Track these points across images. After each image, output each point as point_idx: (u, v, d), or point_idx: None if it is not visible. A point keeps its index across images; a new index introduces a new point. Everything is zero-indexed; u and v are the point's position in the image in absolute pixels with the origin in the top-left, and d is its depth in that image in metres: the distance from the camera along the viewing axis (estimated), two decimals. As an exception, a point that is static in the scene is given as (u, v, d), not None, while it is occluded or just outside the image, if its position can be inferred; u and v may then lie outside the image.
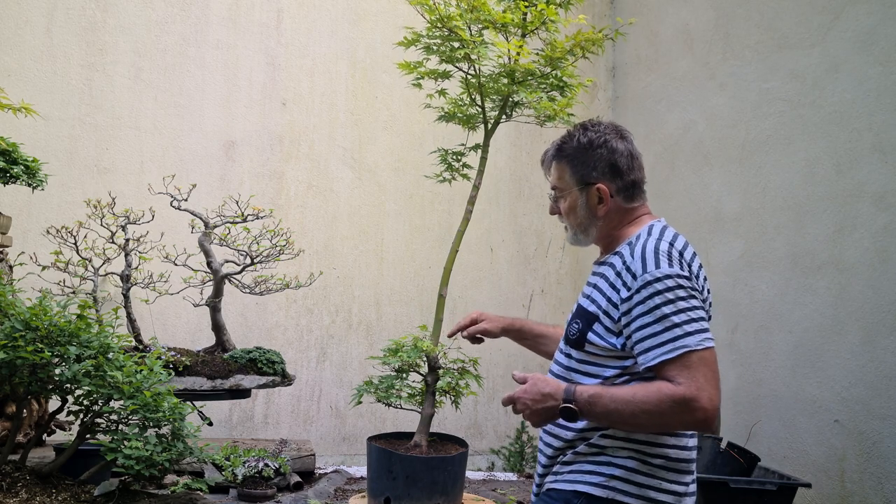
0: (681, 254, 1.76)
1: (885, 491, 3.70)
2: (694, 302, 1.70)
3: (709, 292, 1.84)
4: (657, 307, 1.68)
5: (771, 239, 4.47)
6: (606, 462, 1.75)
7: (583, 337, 1.81)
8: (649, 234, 1.82)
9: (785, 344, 4.31)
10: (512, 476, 5.36)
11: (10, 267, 3.78)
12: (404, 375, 3.96)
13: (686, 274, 1.72)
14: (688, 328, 1.67)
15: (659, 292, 1.69)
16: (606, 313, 1.77)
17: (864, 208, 3.92)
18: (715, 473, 3.71)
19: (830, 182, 4.11)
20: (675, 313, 1.67)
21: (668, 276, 1.70)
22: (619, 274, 1.78)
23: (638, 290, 1.71)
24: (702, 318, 1.70)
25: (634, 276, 1.73)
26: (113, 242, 3.96)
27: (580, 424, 1.79)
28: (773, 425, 4.31)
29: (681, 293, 1.69)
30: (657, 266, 1.71)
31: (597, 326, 1.78)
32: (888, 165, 3.81)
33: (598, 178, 1.89)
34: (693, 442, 1.83)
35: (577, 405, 1.70)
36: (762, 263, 4.52)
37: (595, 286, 1.86)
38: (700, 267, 1.81)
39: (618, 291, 1.76)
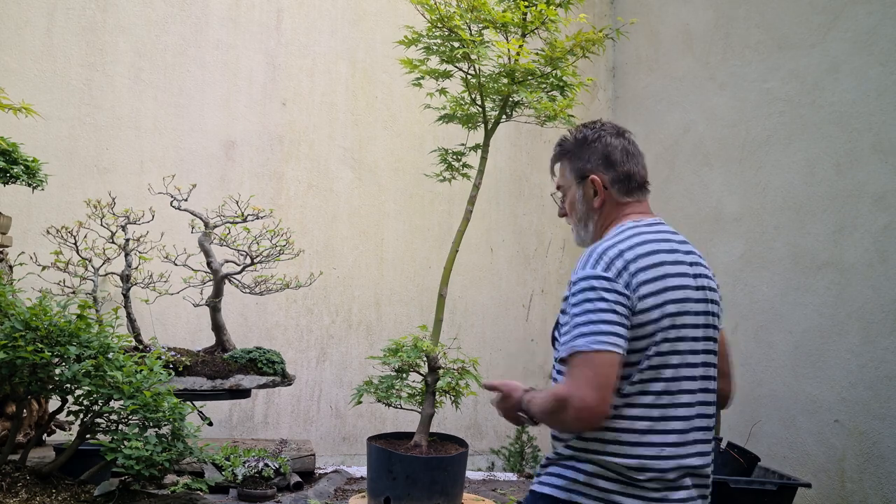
0: (621, 253, 1.74)
1: (885, 491, 3.70)
2: (601, 304, 1.68)
3: (677, 289, 1.75)
4: (572, 307, 1.74)
5: (771, 239, 4.47)
6: (572, 466, 1.80)
7: (553, 338, 1.90)
8: (611, 237, 1.82)
9: (785, 344, 4.31)
10: (512, 476, 5.36)
11: (10, 267, 3.78)
12: (404, 375, 3.96)
13: (605, 275, 1.70)
14: (584, 329, 1.67)
15: (574, 294, 1.74)
16: (564, 312, 1.82)
17: (864, 208, 3.92)
18: (715, 473, 3.68)
19: (830, 182, 4.11)
20: (579, 314, 1.71)
21: (585, 278, 1.73)
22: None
23: (569, 292, 1.78)
24: (604, 321, 1.66)
25: (571, 279, 1.81)
26: (113, 242, 3.96)
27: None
28: (773, 425, 4.31)
29: (590, 294, 1.70)
30: (583, 268, 1.76)
31: (560, 327, 1.83)
32: (888, 165, 3.81)
33: (592, 170, 1.91)
34: (653, 462, 1.72)
35: (527, 412, 1.82)
36: (762, 263, 4.52)
37: None
38: (653, 267, 1.74)
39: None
